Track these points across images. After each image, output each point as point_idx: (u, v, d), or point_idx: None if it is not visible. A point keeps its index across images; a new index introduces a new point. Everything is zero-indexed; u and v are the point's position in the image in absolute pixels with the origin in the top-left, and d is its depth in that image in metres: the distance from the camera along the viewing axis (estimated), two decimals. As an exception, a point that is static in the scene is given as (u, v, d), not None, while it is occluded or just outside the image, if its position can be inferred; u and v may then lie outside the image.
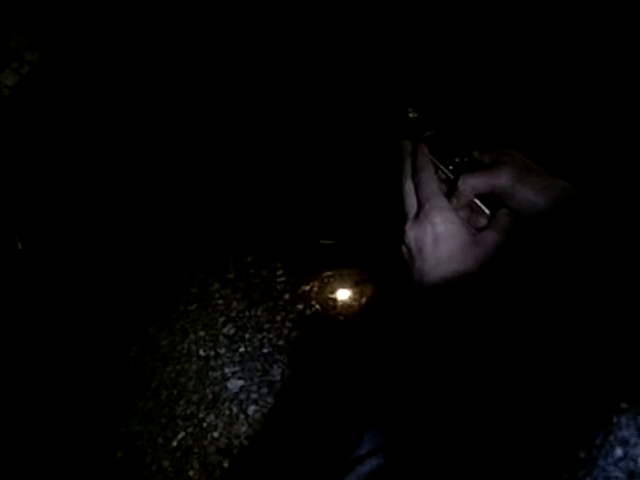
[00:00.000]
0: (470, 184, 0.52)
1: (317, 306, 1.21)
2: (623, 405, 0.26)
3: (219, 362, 1.19)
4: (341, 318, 1.19)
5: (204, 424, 1.13)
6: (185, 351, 1.21)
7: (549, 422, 0.34)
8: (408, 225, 0.56)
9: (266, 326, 1.21)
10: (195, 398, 1.16)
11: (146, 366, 1.21)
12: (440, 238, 0.51)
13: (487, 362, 0.46)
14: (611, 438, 0.25)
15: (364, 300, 1.20)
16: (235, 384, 1.16)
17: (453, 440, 0.42)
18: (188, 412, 1.15)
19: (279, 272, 1.26)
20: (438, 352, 0.49)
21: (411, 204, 0.56)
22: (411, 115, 0.61)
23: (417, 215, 0.55)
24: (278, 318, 1.21)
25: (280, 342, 1.19)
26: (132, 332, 1.26)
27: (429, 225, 0.52)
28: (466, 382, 0.44)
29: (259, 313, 1.22)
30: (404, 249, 0.57)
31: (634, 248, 0.48)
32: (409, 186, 0.57)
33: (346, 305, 1.20)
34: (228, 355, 1.19)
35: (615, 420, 0.26)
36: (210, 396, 1.16)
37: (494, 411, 0.42)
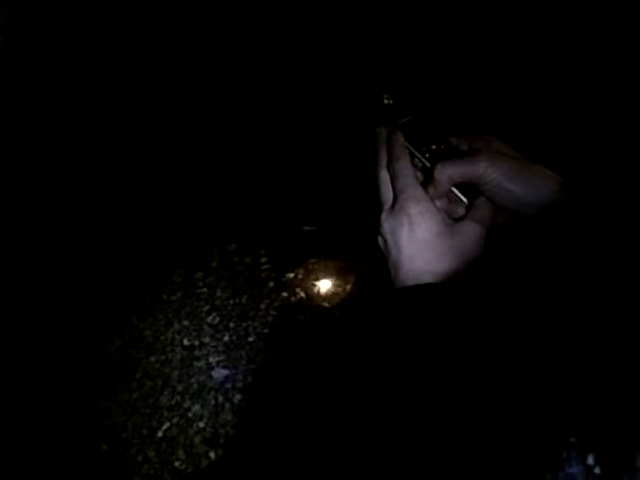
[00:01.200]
0: (447, 173, 0.51)
1: (302, 293, 1.20)
2: (572, 440, 0.25)
3: (204, 351, 1.17)
4: (326, 305, 1.18)
5: (189, 414, 1.12)
6: (169, 341, 1.20)
7: (502, 453, 0.33)
8: (384, 216, 0.55)
9: (251, 314, 1.20)
10: (180, 388, 1.15)
11: (129, 357, 1.20)
12: (416, 230, 0.50)
13: (460, 359, 0.45)
14: (560, 475, 0.24)
15: (348, 287, 1.19)
16: (220, 373, 1.15)
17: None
18: (173, 402, 1.14)
19: (263, 260, 1.25)
20: (412, 345, 0.48)
21: (386, 194, 0.55)
22: (386, 101, 0.59)
23: (393, 206, 0.53)
24: (262, 306, 1.20)
25: (265, 330, 1.18)
26: (115, 322, 1.24)
27: (405, 217, 0.51)
28: (438, 378, 0.43)
29: (243, 301, 1.21)
30: (380, 240, 0.56)
31: (612, 235, 0.47)
32: (384, 175, 0.55)
33: (330, 292, 1.19)
34: (213, 344, 1.18)
35: (564, 456, 0.25)
36: (195, 386, 1.15)
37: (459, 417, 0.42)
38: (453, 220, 0.53)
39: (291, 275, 1.22)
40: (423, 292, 0.49)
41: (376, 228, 0.56)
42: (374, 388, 0.50)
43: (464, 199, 0.53)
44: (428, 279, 0.49)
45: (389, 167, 0.54)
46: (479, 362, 0.44)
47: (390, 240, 0.53)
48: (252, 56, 1.36)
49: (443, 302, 0.49)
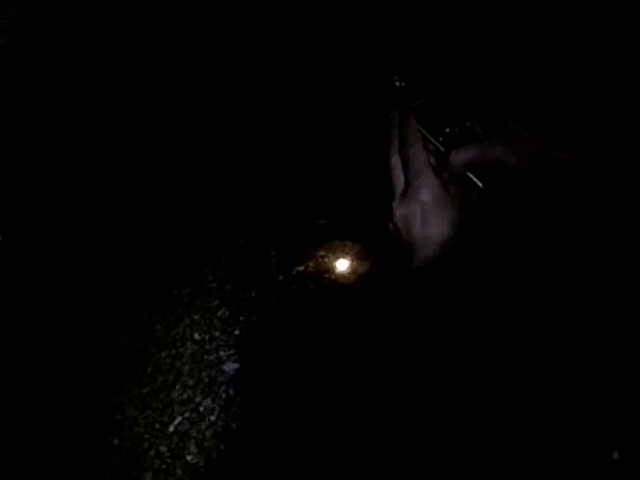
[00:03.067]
0: (462, 157, 0.50)
1: (312, 286, 1.20)
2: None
3: (214, 345, 1.17)
4: (336, 297, 1.18)
5: (201, 408, 1.12)
6: (180, 335, 1.20)
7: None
8: (395, 202, 0.53)
9: (261, 308, 1.19)
10: (191, 382, 1.15)
11: (141, 352, 1.20)
12: (429, 217, 0.49)
13: (475, 346, 0.45)
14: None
15: (359, 279, 1.19)
16: (231, 367, 1.15)
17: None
18: (184, 397, 1.14)
19: (273, 253, 1.25)
20: (427, 333, 0.47)
21: (398, 180, 0.53)
22: (398, 84, 0.58)
23: (405, 192, 0.52)
24: (273, 299, 1.20)
25: (275, 323, 1.17)
26: (126, 318, 1.24)
27: (417, 204, 0.50)
28: (455, 368, 0.43)
29: (253, 295, 1.21)
30: (392, 227, 0.55)
31: (627, 221, 0.46)
32: (396, 160, 0.54)
33: (340, 284, 1.19)
34: (223, 338, 1.18)
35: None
36: (206, 380, 1.15)
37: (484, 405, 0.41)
38: (467, 205, 0.52)
39: (301, 268, 1.22)
40: (437, 278, 0.48)
41: (387, 215, 0.55)
42: (387, 374, 0.50)
43: (479, 183, 0.52)
44: (442, 266, 0.48)
45: (401, 152, 0.53)
46: (495, 348, 0.44)
47: (402, 227, 0.52)
48: (258, 41, 1.35)
49: (456, 288, 0.48)
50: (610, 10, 1.06)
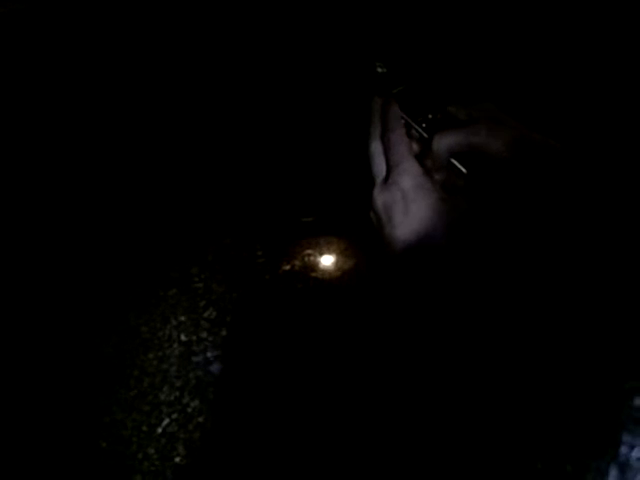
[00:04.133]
0: (446, 143, 0.50)
1: (299, 285, 1.19)
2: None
3: (201, 346, 1.17)
4: (324, 295, 1.17)
5: (189, 409, 1.11)
6: (166, 337, 1.19)
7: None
8: (376, 190, 0.53)
9: (248, 308, 1.19)
10: (178, 384, 1.14)
11: (127, 353, 1.19)
12: (411, 205, 0.49)
13: (460, 338, 0.44)
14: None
15: (346, 277, 1.18)
16: (218, 368, 1.14)
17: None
18: (172, 398, 1.13)
19: (259, 253, 1.24)
20: (410, 322, 0.47)
21: (380, 167, 0.53)
22: (379, 70, 0.57)
23: (386, 179, 0.52)
24: (260, 299, 1.19)
25: (263, 323, 1.17)
26: (110, 320, 1.23)
27: (399, 191, 0.49)
28: (439, 361, 0.42)
29: (240, 295, 1.20)
30: (373, 216, 0.55)
31: (610, 205, 0.46)
32: (376, 147, 0.53)
33: (328, 282, 1.18)
34: (210, 339, 1.17)
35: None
36: (194, 381, 1.14)
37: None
38: (451, 192, 0.52)
39: (288, 267, 1.21)
40: (418, 269, 0.48)
41: (368, 203, 0.55)
42: (378, 372, 0.49)
43: (463, 170, 0.52)
44: (424, 256, 0.48)
45: (383, 138, 0.53)
46: (480, 338, 0.44)
47: (384, 216, 0.51)
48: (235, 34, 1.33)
49: (440, 279, 0.47)
50: None
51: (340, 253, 1.21)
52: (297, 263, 1.22)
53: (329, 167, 1.23)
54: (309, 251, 1.22)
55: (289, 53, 1.25)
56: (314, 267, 1.21)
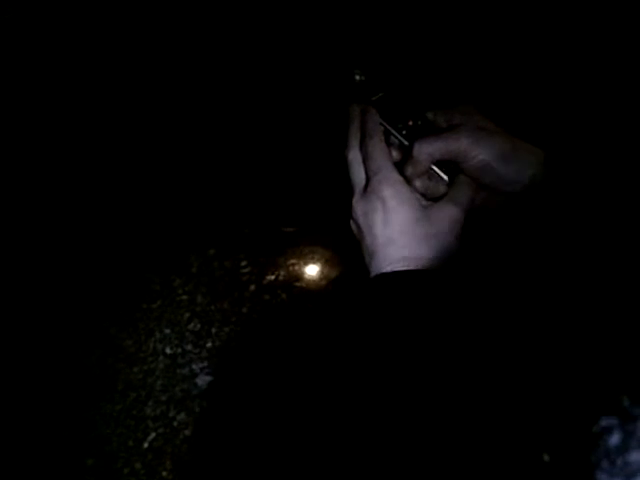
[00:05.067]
0: (426, 151, 0.49)
1: (284, 295, 1.19)
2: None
3: (186, 359, 1.16)
4: (308, 305, 1.18)
5: (175, 423, 1.11)
6: (151, 350, 1.18)
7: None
8: (356, 199, 0.52)
9: (233, 319, 1.18)
10: (164, 397, 1.14)
11: (111, 368, 1.18)
12: (391, 215, 0.48)
13: (438, 348, 0.44)
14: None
15: (331, 286, 1.19)
16: (204, 380, 1.14)
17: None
18: (158, 412, 1.13)
19: (243, 263, 1.24)
20: (388, 335, 0.46)
21: (359, 176, 0.52)
22: (357, 77, 0.57)
23: (366, 189, 0.51)
24: (244, 310, 1.19)
25: (248, 334, 1.17)
26: (94, 334, 1.22)
27: (379, 201, 0.49)
28: (414, 369, 0.42)
29: (225, 306, 1.20)
30: (353, 225, 0.54)
31: (595, 210, 0.46)
32: (354, 155, 0.52)
33: (313, 292, 1.19)
34: (195, 351, 1.17)
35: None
36: (179, 394, 1.14)
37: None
38: (432, 200, 0.52)
39: (272, 277, 1.22)
40: (399, 279, 0.48)
41: (348, 213, 0.54)
42: (353, 384, 0.49)
43: (444, 177, 0.51)
44: (404, 265, 0.47)
45: (362, 147, 0.52)
46: (457, 351, 0.43)
47: (364, 225, 0.50)
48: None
49: (420, 289, 0.47)
50: None
51: (324, 263, 1.22)
52: (281, 273, 1.22)
53: (310, 176, 1.23)
54: (293, 261, 1.23)
55: (266, 62, 1.24)
56: (298, 277, 1.21)
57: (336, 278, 1.19)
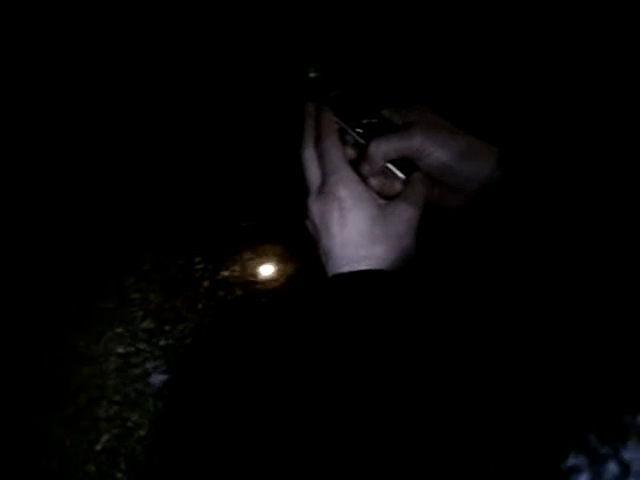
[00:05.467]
0: (382, 149, 0.49)
1: (239, 291, 1.18)
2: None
3: (140, 358, 1.14)
4: (263, 300, 1.17)
5: (129, 423, 1.09)
6: (103, 350, 1.16)
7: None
8: (311, 199, 0.51)
9: (187, 316, 1.17)
10: (117, 398, 1.12)
11: (63, 370, 1.15)
12: (347, 214, 0.48)
13: (395, 348, 0.43)
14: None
15: (286, 280, 1.18)
16: (158, 379, 1.12)
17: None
18: (111, 413, 1.11)
19: (197, 259, 1.22)
20: (345, 334, 0.46)
21: (314, 175, 0.51)
22: (312, 75, 0.56)
23: (321, 188, 0.50)
24: (199, 307, 1.17)
25: (202, 331, 1.15)
26: (44, 335, 1.19)
27: (335, 200, 0.48)
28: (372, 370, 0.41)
29: (178, 304, 1.18)
30: (309, 225, 0.53)
31: (547, 208, 0.46)
32: (309, 154, 0.51)
33: (268, 287, 1.18)
34: (149, 350, 1.15)
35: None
36: (133, 394, 1.12)
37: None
38: (389, 198, 0.51)
39: (226, 273, 1.20)
40: (356, 279, 0.47)
41: (304, 212, 0.53)
42: (308, 383, 0.49)
43: (401, 175, 0.51)
44: (362, 265, 0.47)
45: (317, 145, 0.51)
46: (413, 351, 0.43)
47: (320, 225, 0.50)
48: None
49: (377, 288, 0.46)
50: None
51: (279, 258, 1.21)
52: (236, 269, 1.21)
53: (267, 172, 1.21)
54: (248, 256, 1.21)
55: (220, 62, 1.22)
56: (254, 272, 1.20)
57: (292, 274, 1.19)
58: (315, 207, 0.50)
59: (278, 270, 1.19)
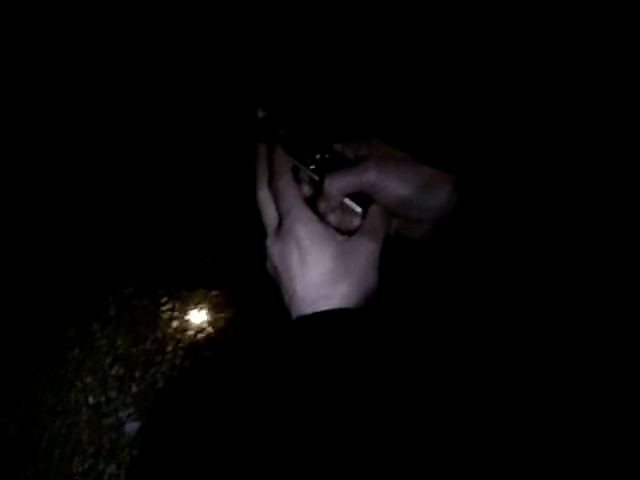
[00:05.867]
0: (337, 185, 0.49)
1: (209, 329, 1.16)
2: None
3: (112, 407, 1.12)
4: (234, 336, 1.15)
5: (105, 476, 1.07)
6: (73, 402, 1.13)
7: None
8: (269, 241, 0.51)
9: (157, 359, 1.14)
10: (91, 450, 1.09)
11: (32, 425, 1.12)
12: (307, 255, 0.47)
13: (361, 388, 0.43)
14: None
15: (256, 315, 1.16)
16: (132, 427, 1.10)
17: None
18: (86, 466, 1.08)
19: (164, 299, 1.19)
20: (309, 376, 0.45)
21: (270, 216, 0.51)
22: (260, 114, 0.55)
23: (279, 229, 0.50)
24: (168, 349, 1.15)
25: (174, 373, 1.13)
26: (11, 391, 1.15)
27: (293, 241, 0.48)
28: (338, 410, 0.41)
29: (147, 347, 1.15)
30: (269, 266, 0.54)
31: (504, 234, 0.47)
32: (264, 195, 0.51)
33: (238, 323, 1.16)
34: (120, 397, 1.12)
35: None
36: (108, 445, 1.09)
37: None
38: (348, 234, 0.51)
39: (194, 311, 1.18)
40: (320, 320, 0.47)
41: (263, 255, 0.52)
42: (278, 428, 0.48)
43: (358, 209, 0.51)
44: (324, 305, 0.47)
45: (271, 185, 0.51)
46: (381, 391, 0.43)
47: (280, 267, 0.50)
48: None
49: (342, 328, 0.46)
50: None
51: (248, 293, 1.19)
52: (205, 306, 1.19)
53: (222, 210, 1.19)
54: (215, 292, 1.19)
55: (173, 107, 1.20)
56: (222, 309, 1.18)
57: (261, 308, 1.17)
58: (274, 249, 0.49)
59: (247, 306, 1.18)
